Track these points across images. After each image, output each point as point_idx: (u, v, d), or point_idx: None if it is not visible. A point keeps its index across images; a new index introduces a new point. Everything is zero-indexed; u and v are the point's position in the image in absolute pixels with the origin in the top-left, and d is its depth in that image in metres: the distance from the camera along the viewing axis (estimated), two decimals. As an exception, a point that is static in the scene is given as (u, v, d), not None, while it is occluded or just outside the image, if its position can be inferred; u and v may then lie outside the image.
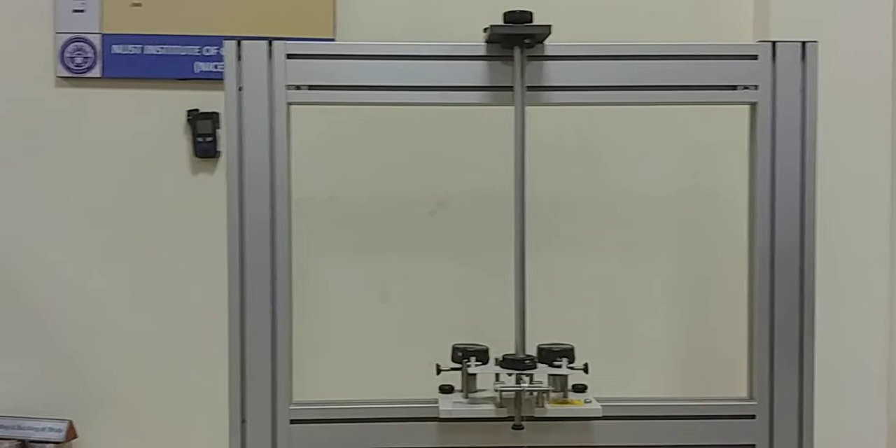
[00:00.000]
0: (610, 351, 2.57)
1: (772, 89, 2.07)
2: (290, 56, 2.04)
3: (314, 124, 2.55)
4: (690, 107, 2.36)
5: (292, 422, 2.04)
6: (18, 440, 2.63)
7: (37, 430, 2.64)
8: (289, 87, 2.04)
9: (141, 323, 2.70)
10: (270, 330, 2.03)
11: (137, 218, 2.71)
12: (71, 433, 2.65)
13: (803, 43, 2.06)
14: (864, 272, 2.57)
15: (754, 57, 2.07)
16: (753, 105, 2.08)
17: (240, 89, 2.04)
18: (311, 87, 2.06)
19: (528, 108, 2.04)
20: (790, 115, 2.07)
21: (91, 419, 2.68)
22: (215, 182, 2.62)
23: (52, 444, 2.62)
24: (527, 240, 2.04)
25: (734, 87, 2.08)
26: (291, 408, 2.04)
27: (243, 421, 2.03)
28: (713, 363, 2.64)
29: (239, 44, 2.04)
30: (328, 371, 2.63)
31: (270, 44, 2.04)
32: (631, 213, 2.71)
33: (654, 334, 2.72)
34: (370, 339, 2.68)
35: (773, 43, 2.07)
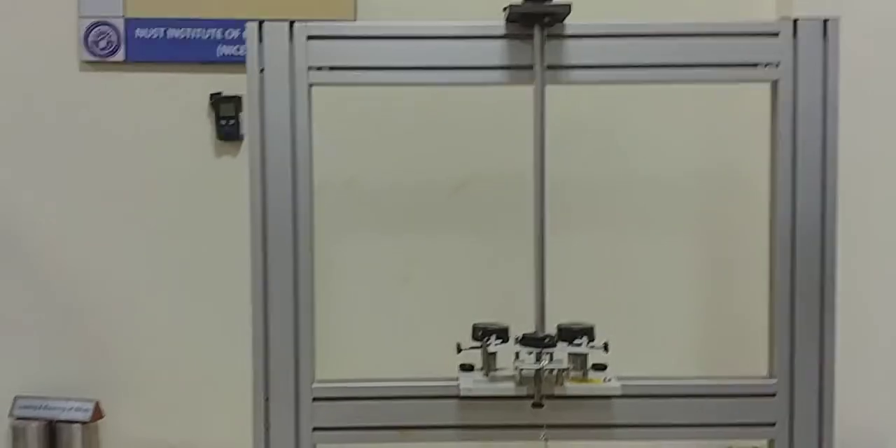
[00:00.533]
0: (630, 330, 2.57)
1: (793, 67, 2.05)
2: (310, 37, 2.05)
3: (335, 108, 2.57)
4: (710, 86, 2.36)
5: (315, 399, 2.06)
6: (46, 420, 2.67)
7: (63, 410, 2.68)
8: (310, 68, 2.05)
9: (166, 304, 2.73)
10: (293, 309, 2.05)
11: (161, 201, 2.73)
12: (97, 413, 2.69)
13: (825, 20, 2.05)
14: (886, 251, 2.55)
15: (775, 34, 2.06)
16: (775, 83, 2.07)
17: (261, 71, 2.05)
18: (332, 68, 2.07)
19: (547, 88, 2.04)
20: (812, 93, 2.05)
21: (117, 399, 2.72)
22: (238, 165, 2.63)
23: (78, 424, 2.66)
24: (546, 218, 2.04)
25: (755, 65, 2.07)
26: (314, 386, 2.07)
27: (266, 398, 2.05)
28: (734, 342, 2.64)
29: (261, 26, 2.05)
30: (351, 351, 2.66)
31: (292, 25, 2.05)
32: (651, 193, 2.71)
33: (675, 314, 2.72)
34: (392, 319, 2.70)
35: (795, 20, 2.06)
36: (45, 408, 2.69)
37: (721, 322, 2.70)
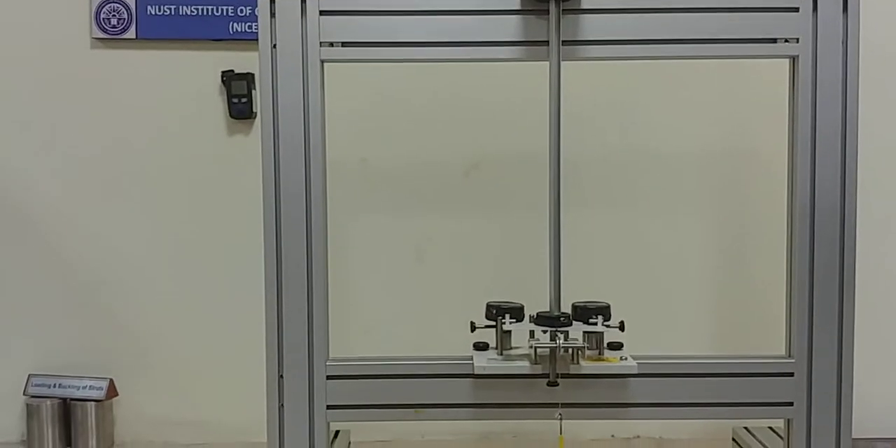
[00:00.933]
0: (647, 309, 2.56)
1: (813, 42, 2.02)
2: (323, 12, 2.03)
3: (348, 86, 2.55)
4: (728, 64, 2.33)
5: (329, 377, 2.05)
6: (60, 398, 2.68)
7: (78, 388, 2.68)
8: (322, 44, 2.03)
9: (180, 282, 2.72)
10: (306, 287, 2.04)
11: (174, 179, 2.72)
12: (112, 391, 2.69)
13: (846, -5, 2.01)
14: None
15: (795, 9, 2.03)
16: (794, 58, 2.04)
17: (273, 47, 2.03)
18: (344, 45, 2.04)
19: (564, 67, 2.01)
20: (832, 69, 2.02)
21: (131, 377, 2.72)
22: (251, 143, 2.62)
23: (92, 402, 2.66)
24: (562, 196, 2.02)
25: (774, 41, 2.04)
26: (328, 364, 2.06)
27: (280, 376, 2.05)
28: (751, 322, 2.62)
29: (272, 1, 2.03)
30: (365, 330, 2.65)
31: (304, 0, 2.03)
32: (668, 172, 2.68)
33: (692, 293, 2.69)
34: (405, 298, 2.69)
35: (815, -5, 2.02)
36: (60, 386, 2.69)
37: (738, 301, 2.68)
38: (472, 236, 2.71)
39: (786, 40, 2.04)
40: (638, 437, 2.73)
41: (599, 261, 2.66)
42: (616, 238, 2.69)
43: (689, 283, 2.70)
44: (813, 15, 2.02)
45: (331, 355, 2.09)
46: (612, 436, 2.72)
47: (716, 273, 2.70)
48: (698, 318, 2.69)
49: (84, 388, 2.68)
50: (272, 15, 2.03)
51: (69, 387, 2.69)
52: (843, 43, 2.02)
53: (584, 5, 2.02)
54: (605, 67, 2.54)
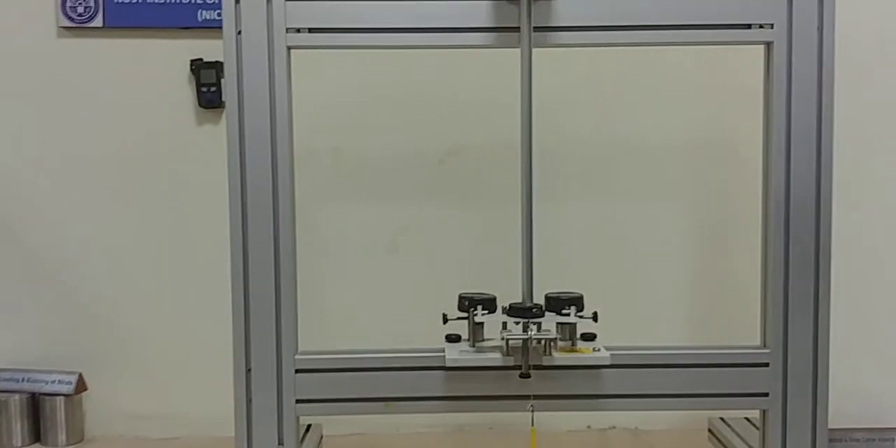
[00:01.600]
0: (624, 300, 2.54)
1: (788, 28, 1.99)
2: (289, -2, 1.99)
3: (321, 75, 2.51)
4: (705, 49, 2.30)
5: (297, 371, 2.02)
6: (28, 393, 2.64)
7: (46, 382, 2.64)
8: (289, 30, 1.99)
9: (149, 275, 2.69)
10: (274, 279, 2.00)
11: (143, 170, 2.68)
12: (80, 385, 2.66)
13: (820, -21, 1.98)
14: (883, 218, 2.51)
15: (770, -6, 2.00)
16: (769, 45, 2.01)
17: (238, 33, 1.99)
18: (311, 31, 2.00)
19: (538, 53, 1.97)
20: (807, 55, 1.99)
21: (100, 371, 2.69)
22: (220, 132, 2.55)
23: (61, 397, 2.63)
24: (535, 186, 1.98)
25: (749, 27, 2.01)
26: (297, 357, 2.02)
27: (248, 370, 2.01)
28: (728, 311, 2.60)
29: (237, -14, 1.98)
30: (338, 321, 2.62)
31: (270, -15, 1.98)
32: (644, 162, 2.66)
33: (669, 283, 2.68)
34: (379, 290, 2.66)
35: (790, -21, 1.99)
36: (28, 380, 2.65)
37: (715, 292, 2.66)
38: (447, 226, 2.68)
39: (760, 26, 2.01)
40: (614, 427, 2.71)
41: (576, 251, 2.63)
42: (593, 228, 2.67)
43: (667, 274, 2.68)
44: (788, 1, 1.99)
45: (302, 348, 2.06)
46: (588, 427, 2.71)
47: (693, 264, 2.68)
48: (676, 309, 2.68)
49: (53, 382, 2.65)
50: (237, 1, 1.98)
51: (38, 381, 2.65)
52: (818, 29, 1.99)
53: (557, -10, 1.99)
54: (583, 57, 2.52)
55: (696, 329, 2.66)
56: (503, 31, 2.00)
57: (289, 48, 1.99)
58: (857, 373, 2.42)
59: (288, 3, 1.98)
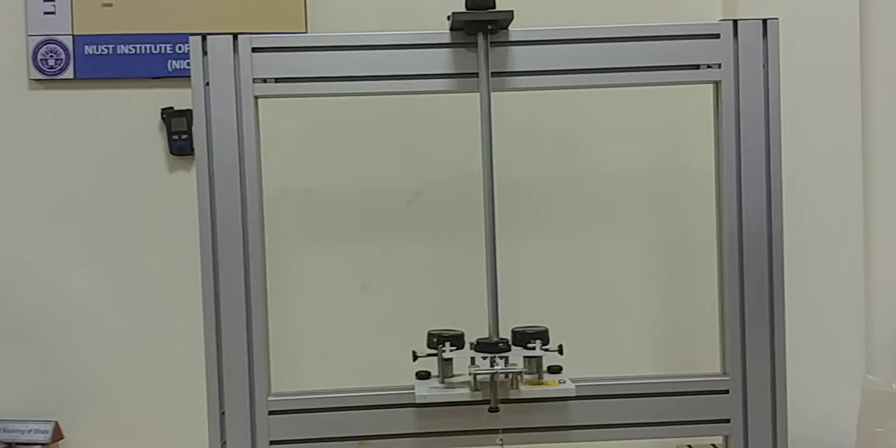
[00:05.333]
0: (590, 332, 2.60)
1: (734, 67, 2.08)
2: (255, 49, 2.06)
3: (290, 116, 2.57)
4: (660, 86, 2.38)
5: (271, 413, 2.05)
6: (5, 443, 2.64)
7: (22, 432, 2.64)
8: (255, 80, 2.06)
9: (122, 321, 2.71)
10: (245, 323, 2.05)
11: (115, 217, 2.71)
12: (57, 434, 2.66)
13: (764, 20, 2.08)
14: (836, 245, 2.58)
15: (717, 36, 2.09)
16: (717, 83, 2.10)
17: (207, 84, 2.05)
18: (277, 80, 2.07)
19: (500, 95, 2.06)
20: (753, 92, 2.08)
21: (77, 419, 2.69)
22: (192, 179, 2.57)
23: (38, 446, 2.62)
24: (498, 222, 2.05)
25: (697, 67, 2.10)
26: (270, 399, 2.06)
27: (222, 413, 2.05)
28: (692, 340, 2.65)
29: (204, 39, 2.05)
30: (310, 361, 2.65)
31: (235, 38, 2.05)
32: (606, 194, 2.72)
33: (633, 313, 2.73)
34: (350, 328, 2.69)
35: (735, 21, 2.08)
36: (5, 431, 2.65)
37: (679, 320, 2.72)
38: (416, 264, 2.72)
39: (708, 66, 2.10)
40: (588, 459, 2.75)
41: (542, 285, 2.68)
42: (558, 261, 2.72)
43: (631, 304, 2.73)
44: (734, 41, 2.08)
45: (275, 388, 2.09)
46: (562, 459, 2.74)
47: (657, 293, 2.74)
48: (641, 339, 2.73)
49: (29, 431, 2.65)
50: (204, 53, 2.05)
51: (14, 431, 2.65)
52: (763, 66, 2.09)
53: (512, 38, 2.07)
54: (544, 94, 2.59)
55: (661, 358, 2.71)
56: (463, 76, 2.08)
57: (256, 97, 2.06)
58: (815, 397, 2.48)
59: (254, 54, 2.05)
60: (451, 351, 2.02)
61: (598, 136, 2.73)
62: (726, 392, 2.08)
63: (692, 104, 2.58)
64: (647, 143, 2.74)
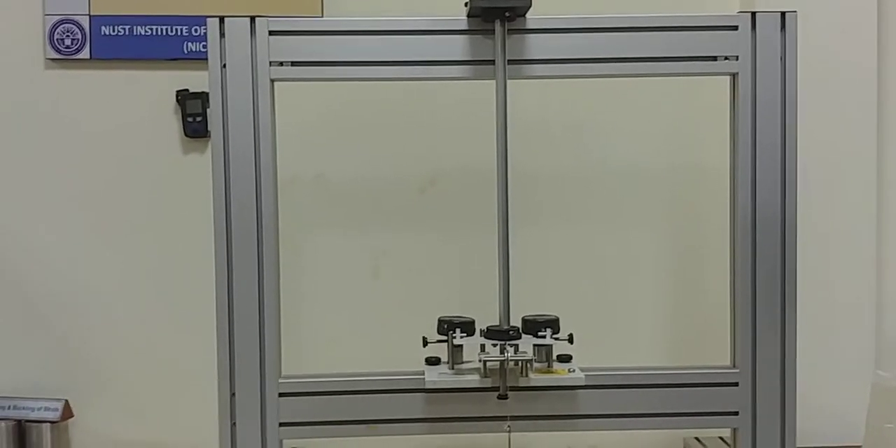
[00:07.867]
0: (600, 323, 2.60)
1: (752, 59, 2.08)
2: (272, 33, 2.06)
3: (304, 102, 2.57)
4: (675, 78, 2.38)
5: (281, 395, 2.06)
6: (14, 420, 2.65)
7: (32, 409, 2.65)
8: (272, 63, 2.06)
9: (133, 301, 2.72)
10: (258, 305, 2.06)
11: (129, 199, 2.72)
12: (67, 412, 2.67)
13: (783, 13, 2.07)
14: (849, 240, 2.58)
15: (735, 28, 2.09)
16: (734, 75, 2.10)
17: (223, 67, 2.06)
18: (294, 64, 2.07)
19: (514, 84, 2.05)
20: (771, 85, 2.08)
21: (87, 398, 2.70)
22: (206, 162, 2.59)
23: (47, 424, 2.63)
24: (510, 212, 2.06)
25: (714, 59, 2.09)
26: (280, 381, 2.07)
27: (232, 394, 2.06)
28: (703, 332, 2.65)
29: (222, 21, 2.06)
30: (320, 346, 2.65)
31: (253, 21, 2.06)
32: (618, 186, 2.72)
33: (644, 305, 2.72)
34: (361, 315, 2.70)
35: (753, 13, 2.08)
36: (14, 408, 2.66)
37: (691, 313, 2.71)
38: (428, 252, 2.72)
39: (725, 58, 2.09)
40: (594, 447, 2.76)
41: (553, 274, 2.68)
42: (569, 252, 2.72)
43: (642, 296, 2.73)
44: (752, 33, 2.08)
45: (285, 372, 2.10)
46: (568, 447, 2.75)
47: (668, 285, 2.74)
48: (651, 330, 2.73)
49: (39, 409, 2.66)
50: (222, 35, 2.05)
51: (24, 408, 2.66)
52: (781, 59, 2.08)
53: (529, 26, 2.06)
54: (559, 83, 2.59)
55: (670, 350, 2.71)
56: (480, 63, 2.08)
57: (272, 80, 2.06)
58: (825, 391, 2.48)
59: (271, 37, 2.05)
60: (461, 337, 2.03)
61: (612, 129, 2.73)
62: (735, 385, 2.08)
63: (706, 99, 2.59)
64: (661, 137, 2.73)
